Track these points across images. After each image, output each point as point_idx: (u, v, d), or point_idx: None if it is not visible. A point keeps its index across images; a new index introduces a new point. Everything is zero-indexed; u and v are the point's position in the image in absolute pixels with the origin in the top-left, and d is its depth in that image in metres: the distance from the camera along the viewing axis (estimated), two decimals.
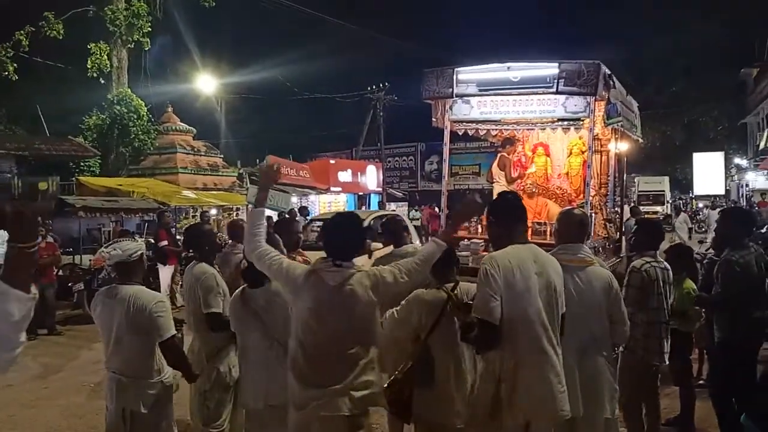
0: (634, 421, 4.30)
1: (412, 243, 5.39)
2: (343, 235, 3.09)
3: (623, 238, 11.02)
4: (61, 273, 10.69)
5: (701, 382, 5.65)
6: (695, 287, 4.96)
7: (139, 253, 3.53)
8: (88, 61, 18.72)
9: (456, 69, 8.95)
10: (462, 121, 9.60)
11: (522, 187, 10.57)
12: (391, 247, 4.88)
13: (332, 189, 22.74)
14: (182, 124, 19.82)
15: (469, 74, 9.02)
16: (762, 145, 28.88)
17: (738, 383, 4.28)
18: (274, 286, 3.44)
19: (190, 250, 4.32)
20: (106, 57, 18.96)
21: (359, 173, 24.72)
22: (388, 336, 3.59)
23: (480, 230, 9.46)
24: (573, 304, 3.05)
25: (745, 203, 26.15)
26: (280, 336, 3.35)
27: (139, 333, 3.38)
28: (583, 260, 3.25)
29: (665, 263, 4.39)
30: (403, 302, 3.50)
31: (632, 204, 17.08)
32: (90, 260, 11.07)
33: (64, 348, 8.51)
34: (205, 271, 4.14)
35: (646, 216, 9.80)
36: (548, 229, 9.78)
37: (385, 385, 3.17)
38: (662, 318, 4.22)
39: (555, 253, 3.25)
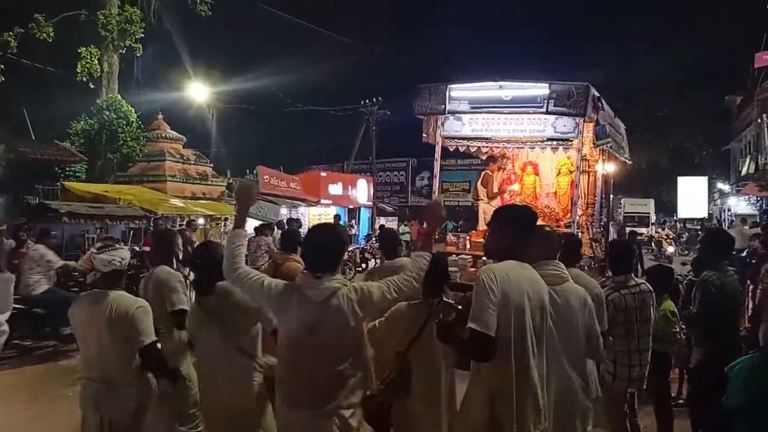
0: None
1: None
2: (322, 246, 3.05)
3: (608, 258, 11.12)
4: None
5: (681, 401, 5.69)
6: (674, 308, 5.01)
7: (127, 261, 3.54)
8: (78, 66, 18.62)
9: (449, 86, 9.07)
10: (453, 138, 9.71)
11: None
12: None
13: (322, 202, 22.72)
14: (172, 132, 19.74)
15: (461, 92, 9.14)
16: (744, 171, 29.32)
17: (714, 403, 4.32)
18: (223, 288, 3.41)
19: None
20: (96, 62, 18.86)
21: (350, 186, 24.73)
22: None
23: (468, 246, 9.51)
24: (550, 322, 3.07)
25: (727, 227, 26.48)
26: (239, 337, 3.38)
27: (119, 339, 3.34)
28: (559, 276, 3.28)
29: (646, 285, 4.43)
30: (385, 316, 3.48)
31: (619, 226, 17.20)
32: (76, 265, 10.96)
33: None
34: (169, 271, 4.18)
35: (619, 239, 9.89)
36: None
37: (363, 397, 3.13)
38: (631, 347, 4.28)
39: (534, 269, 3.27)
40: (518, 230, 3.00)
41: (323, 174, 24.18)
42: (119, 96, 18.96)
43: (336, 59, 30.75)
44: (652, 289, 4.47)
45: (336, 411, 2.82)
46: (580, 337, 3.26)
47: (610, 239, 10.39)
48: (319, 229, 3.24)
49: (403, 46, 41.41)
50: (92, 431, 3.40)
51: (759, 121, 25.45)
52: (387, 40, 39.45)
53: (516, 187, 10.97)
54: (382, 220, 28.49)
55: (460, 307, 3.34)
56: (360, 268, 17.00)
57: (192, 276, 3.95)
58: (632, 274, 4.45)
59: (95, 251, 3.55)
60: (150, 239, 11.56)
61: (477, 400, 2.88)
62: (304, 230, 16.54)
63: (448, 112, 9.21)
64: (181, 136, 19.87)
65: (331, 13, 32.38)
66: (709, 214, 34.38)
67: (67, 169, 17.38)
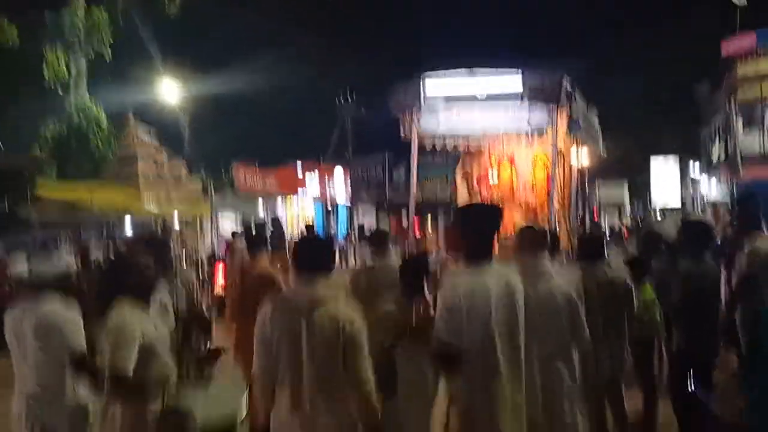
0: (600, 428, 4.38)
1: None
2: (313, 248, 3.05)
3: None
4: None
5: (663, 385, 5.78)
6: (653, 296, 5.11)
7: (58, 273, 3.43)
8: (45, 70, 18.24)
9: (423, 74, 9.06)
10: (430, 136, 9.71)
11: (488, 200, 10.69)
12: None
13: (299, 192, 22.57)
14: (144, 133, 19.41)
15: (436, 86, 9.12)
16: (714, 157, 29.80)
17: (696, 388, 4.48)
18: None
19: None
20: (64, 66, 18.50)
21: (327, 178, 24.58)
22: None
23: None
24: (533, 316, 3.08)
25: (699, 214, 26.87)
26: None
27: (47, 349, 3.26)
28: (542, 272, 3.34)
29: (618, 273, 4.51)
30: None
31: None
32: None
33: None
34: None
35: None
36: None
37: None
38: (617, 332, 4.33)
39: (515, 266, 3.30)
40: (480, 229, 2.95)
41: (299, 164, 23.87)
42: (89, 101, 18.59)
43: (311, 56, 30.58)
44: (631, 277, 4.55)
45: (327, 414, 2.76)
46: (565, 329, 3.32)
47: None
48: (309, 234, 3.27)
49: (380, 42, 41.28)
50: None
51: (728, 107, 25.87)
52: (364, 35, 39.35)
53: (495, 181, 10.98)
54: (359, 216, 28.47)
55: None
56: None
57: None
58: (607, 264, 4.49)
59: (32, 260, 3.51)
60: (129, 243, 11.49)
61: (453, 408, 2.88)
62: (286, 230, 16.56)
63: (423, 107, 9.20)
64: (153, 136, 19.55)
65: (304, 10, 32.08)
66: (682, 202, 34.78)
67: (38, 177, 16.99)
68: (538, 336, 2.99)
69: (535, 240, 3.46)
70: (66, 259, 3.61)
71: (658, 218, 22.12)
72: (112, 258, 10.52)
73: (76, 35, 18.48)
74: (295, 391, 2.74)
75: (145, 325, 3.08)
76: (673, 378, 4.98)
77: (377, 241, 5.42)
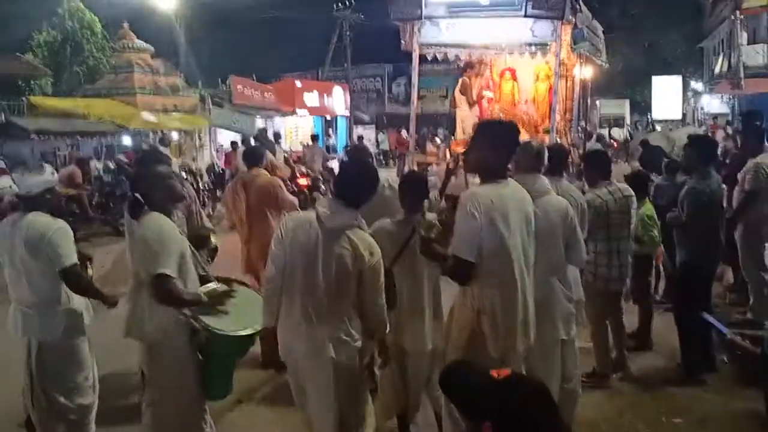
0: (601, 339, 4.63)
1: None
2: (359, 181, 3.04)
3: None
4: None
5: (657, 298, 6.00)
6: (652, 212, 5.18)
7: (42, 189, 3.39)
8: None
9: None
10: (431, 45, 9.52)
11: (490, 113, 10.64)
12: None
13: (298, 112, 22.34)
14: (139, 41, 18.85)
15: None
16: (717, 69, 29.24)
17: (696, 299, 4.61)
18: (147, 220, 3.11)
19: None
20: None
21: (326, 95, 24.22)
22: None
23: (448, 155, 9.58)
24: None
25: (699, 126, 26.70)
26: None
27: (38, 261, 3.29)
28: (540, 189, 3.35)
29: (628, 190, 4.58)
30: (369, 232, 3.61)
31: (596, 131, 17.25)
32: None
33: None
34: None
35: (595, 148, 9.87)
36: None
37: None
38: (621, 247, 4.48)
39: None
40: (500, 147, 3.02)
41: (298, 83, 23.58)
42: (81, 4, 18.00)
43: None
44: (633, 193, 4.61)
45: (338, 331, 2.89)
46: (560, 246, 3.38)
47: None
48: (358, 165, 3.33)
49: None
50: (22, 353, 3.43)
51: (732, 17, 25.15)
52: None
53: (491, 94, 10.89)
54: (359, 129, 28.26)
55: (437, 222, 3.45)
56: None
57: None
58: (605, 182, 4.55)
59: (18, 175, 3.45)
60: (131, 153, 11.56)
61: (462, 319, 3.05)
62: (283, 144, 16.53)
63: (425, 17, 8.99)
64: (149, 46, 19.03)
65: None
66: (683, 114, 34.52)
67: (32, 83, 16.77)
68: (536, 252, 3.09)
69: (533, 156, 3.46)
70: (55, 174, 3.57)
71: (656, 129, 21.84)
72: (132, 167, 10.48)
73: None
74: (305, 305, 2.88)
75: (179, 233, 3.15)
76: (675, 293, 5.12)
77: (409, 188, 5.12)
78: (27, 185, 3.38)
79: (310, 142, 15.83)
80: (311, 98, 23.03)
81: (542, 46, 8.95)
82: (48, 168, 3.54)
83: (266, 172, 5.34)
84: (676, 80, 33.43)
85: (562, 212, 3.39)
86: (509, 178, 3.06)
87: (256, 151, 5.72)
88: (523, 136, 10.31)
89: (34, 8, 18.24)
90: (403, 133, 24.07)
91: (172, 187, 3.21)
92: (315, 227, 2.88)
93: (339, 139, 25.82)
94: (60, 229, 3.34)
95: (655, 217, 5.14)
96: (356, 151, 7.15)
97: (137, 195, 3.16)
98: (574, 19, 8.42)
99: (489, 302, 2.91)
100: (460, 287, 3.07)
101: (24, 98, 15.30)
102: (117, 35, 18.75)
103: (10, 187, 3.43)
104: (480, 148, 3.10)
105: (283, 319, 2.97)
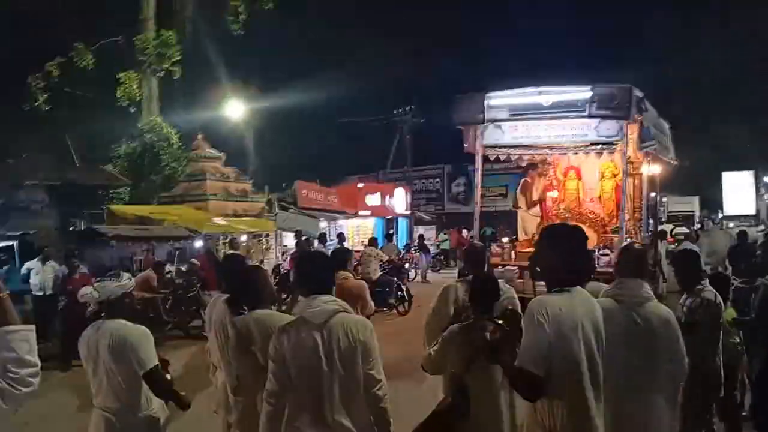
0: None
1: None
2: (314, 266, 3.14)
3: (660, 263, 10.84)
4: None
5: (744, 413, 5.49)
6: (734, 317, 4.84)
7: (120, 294, 3.55)
8: (118, 91, 19.11)
9: (486, 94, 8.95)
10: (494, 146, 9.60)
11: (555, 213, 10.50)
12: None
13: (360, 213, 22.77)
14: (212, 150, 20.01)
15: (500, 99, 9.01)
16: None
17: None
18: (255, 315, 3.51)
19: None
20: (135, 86, 19.34)
21: (387, 196, 24.71)
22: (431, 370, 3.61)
23: (513, 256, 9.39)
24: (630, 342, 2.98)
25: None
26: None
27: (121, 366, 3.39)
28: (642, 296, 3.14)
29: (717, 295, 4.29)
30: (438, 341, 3.41)
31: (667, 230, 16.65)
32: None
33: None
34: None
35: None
36: None
37: (423, 421, 3.14)
38: (723, 355, 4.17)
39: (614, 287, 3.18)
40: (567, 253, 2.84)
41: (360, 185, 24.24)
42: (159, 119, 19.37)
43: (369, 68, 30.93)
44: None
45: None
46: (663, 359, 3.13)
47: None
48: (308, 254, 3.42)
49: (438, 52, 41.35)
50: None
51: None
52: (421, 46, 39.54)
53: (555, 194, 10.81)
54: (420, 229, 28.43)
55: (501, 322, 3.30)
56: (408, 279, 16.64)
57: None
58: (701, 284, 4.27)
59: (96, 281, 3.62)
60: (204, 257, 11.91)
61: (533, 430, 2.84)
62: (347, 244, 16.73)
63: (487, 121, 9.10)
64: (220, 154, 20.16)
65: (363, 24, 32.54)
66: (756, 210, 33.25)
67: (112, 192, 17.83)
68: (634, 365, 2.88)
69: (634, 259, 3.28)
70: (132, 280, 3.75)
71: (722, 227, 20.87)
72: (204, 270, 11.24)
73: (147, 57, 19.27)
74: (317, 405, 2.82)
75: None
76: (752, 402, 4.73)
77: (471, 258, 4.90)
78: (107, 291, 3.52)
79: (366, 244, 15.93)
80: (373, 199, 23.51)
81: (608, 145, 8.88)
82: (125, 275, 3.73)
83: (352, 275, 5.41)
84: (747, 175, 32.56)
85: (665, 320, 3.14)
86: (578, 286, 2.83)
87: (342, 254, 5.81)
88: (591, 236, 10.08)
89: (116, 124, 19.77)
90: (464, 232, 24.15)
91: (270, 287, 3.64)
92: (305, 329, 2.88)
93: (400, 238, 26.00)
94: (141, 334, 3.48)
95: (738, 322, 4.82)
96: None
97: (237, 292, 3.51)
98: (640, 118, 8.33)
99: (559, 421, 2.68)
100: (529, 409, 2.86)
101: (104, 207, 16.21)
102: (192, 145, 19.99)
103: (90, 294, 3.56)
104: (545, 255, 2.94)
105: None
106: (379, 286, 12.68)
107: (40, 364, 2.08)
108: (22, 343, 2.03)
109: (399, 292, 13.23)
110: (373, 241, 14.76)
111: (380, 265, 13.41)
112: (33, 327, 2.09)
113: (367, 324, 2.95)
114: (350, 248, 17.23)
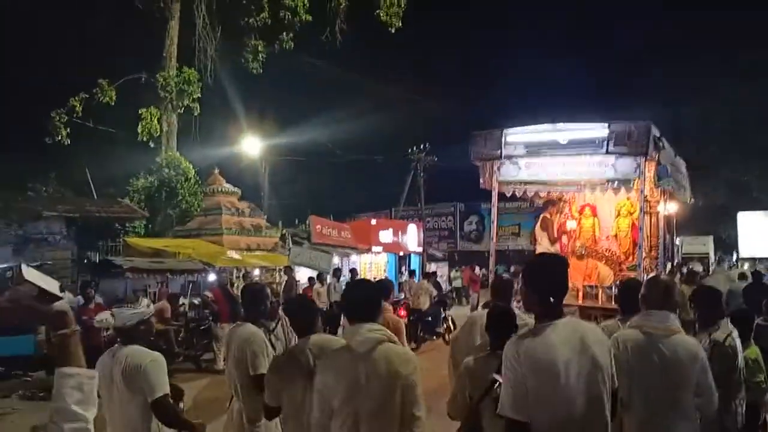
0: None
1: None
2: (361, 294, 3.13)
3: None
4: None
5: None
6: (758, 355, 4.75)
7: (137, 320, 3.56)
8: (139, 126, 19.45)
9: (504, 131, 9.05)
10: (510, 183, 9.64)
11: (571, 249, 10.47)
12: None
13: (373, 249, 22.79)
14: (228, 185, 20.24)
15: (517, 136, 9.11)
16: None
17: None
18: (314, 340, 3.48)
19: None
20: (156, 122, 19.68)
21: (400, 233, 24.75)
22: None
23: None
24: (657, 375, 2.95)
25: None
26: None
27: (133, 392, 3.39)
28: (669, 329, 3.11)
29: (730, 336, 4.23)
30: (456, 376, 3.47)
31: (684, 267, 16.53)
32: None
33: None
34: (253, 332, 4.18)
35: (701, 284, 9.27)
36: (599, 292, 9.63)
37: None
38: (743, 393, 4.10)
39: (640, 318, 3.16)
40: (544, 284, 2.72)
41: (373, 221, 24.33)
42: (178, 154, 19.65)
43: (382, 107, 31.36)
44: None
45: None
46: (690, 391, 3.08)
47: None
48: (355, 282, 3.41)
49: (451, 91, 41.91)
50: None
51: None
52: (434, 85, 40.10)
53: (573, 224, 10.77)
54: (432, 266, 28.36)
55: None
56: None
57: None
58: (722, 321, 4.23)
59: (116, 308, 3.64)
60: (217, 290, 11.97)
61: None
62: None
63: (504, 157, 9.18)
64: (236, 189, 20.36)
65: (376, 62, 33.11)
66: None
67: (128, 225, 17.98)
68: (660, 397, 2.84)
69: (661, 291, 3.25)
70: (151, 306, 3.82)
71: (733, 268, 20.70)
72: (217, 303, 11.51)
73: (168, 93, 19.65)
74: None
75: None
76: None
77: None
78: (123, 317, 3.53)
79: (409, 277, 16.32)
80: (386, 235, 23.54)
81: (625, 182, 8.89)
82: (144, 300, 3.75)
83: (390, 307, 5.47)
84: (763, 216, 32.27)
85: (693, 353, 3.09)
86: (566, 317, 2.69)
87: (386, 285, 5.88)
88: (606, 273, 9.97)
89: (135, 158, 20.08)
90: (476, 269, 24.06)
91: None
92: (348, 356, 2.88)
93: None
94: (155, 361, 3.46)
95: (761, 360, 4.71)
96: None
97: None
98: (657, 156, 8.36)
99: None
100: None
101: (121, 239, 16.35)
102: (207, 179, 20.23)
103: (106, 320, 3.58)
104: (522, 292, 2.86)
105: None
106: (429, 316, 14.19)
107: (93, 415, 1.82)
108: (73, 392, 1.77)
109: (445, 323, 14.58)
110: (413, 274, 16.68)
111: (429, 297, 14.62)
112: (94, 373, 1.86)
113: (411, 357, 2.92)
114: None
